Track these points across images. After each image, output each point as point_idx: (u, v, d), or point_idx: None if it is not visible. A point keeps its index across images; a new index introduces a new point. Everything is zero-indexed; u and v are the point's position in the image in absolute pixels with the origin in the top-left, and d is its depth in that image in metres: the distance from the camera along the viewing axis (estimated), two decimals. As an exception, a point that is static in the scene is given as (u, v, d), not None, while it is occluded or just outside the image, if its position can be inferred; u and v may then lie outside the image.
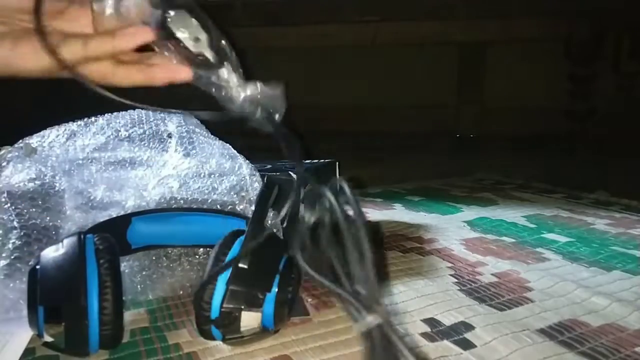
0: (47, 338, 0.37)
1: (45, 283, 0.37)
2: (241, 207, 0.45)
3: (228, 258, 0.38)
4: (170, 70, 0.37)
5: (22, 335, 0.41)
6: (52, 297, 0.36)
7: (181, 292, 0.50)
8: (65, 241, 0.39)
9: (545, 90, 1.65)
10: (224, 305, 0.36)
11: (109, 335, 0.37)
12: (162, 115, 0.51)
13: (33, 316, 0.37)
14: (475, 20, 1.54)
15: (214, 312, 0.37)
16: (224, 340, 0.38)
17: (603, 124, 1.55)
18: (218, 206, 0.46)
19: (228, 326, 0.37)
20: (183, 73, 0.36)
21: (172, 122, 0.50)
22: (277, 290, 0.38)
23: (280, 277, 0.38)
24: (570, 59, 1.58)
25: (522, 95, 1.67)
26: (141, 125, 0.50)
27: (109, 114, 0.49)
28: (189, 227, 0.40)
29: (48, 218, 0.45)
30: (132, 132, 0.49)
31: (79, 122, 0.48)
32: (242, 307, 0.37)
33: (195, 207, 0.46)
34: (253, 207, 0.44)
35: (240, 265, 0.37)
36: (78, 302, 0.36)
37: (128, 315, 0.45)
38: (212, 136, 0.52)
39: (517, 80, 1.68)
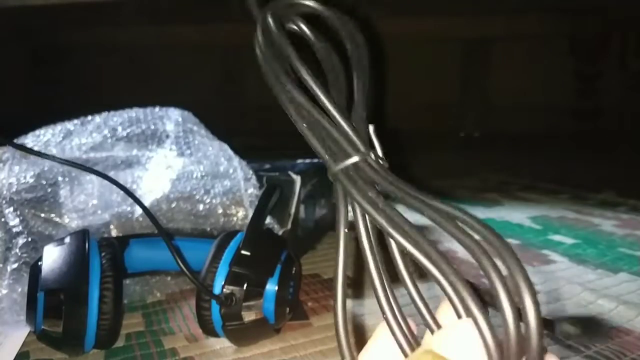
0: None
1: (47, 271, 0.37)
2: (234, 211, 0.45)
3: (229, 248, 0.39)
4: None
5: (15, 337, 0.41)
6: (53, 283, 0.37)
7: (179, 294, 0.49)
8: (69, 236, 0.40)
9: (551, 88, 1.63)
10: (226, 286, 0.37)
11: (107, 326, 0.37)
12: (160, 113, 0.50)
13: (32, 306, 0.37)
14: (479, 16, 1.53)
15: (216, 293, 0.37)
16: (224, 328, 0.37)
17: (610, 122, 1.53)
18: (209, 207, 0.46)
19: (229, 307, 0.37)
20: None
21: (170, 121, 0.49)
22: (278, 278, 0.38)
23: (282, 268, 0.39)
24: (575, 57, 1.57)
25: (528, 93, 1.66)
26: (139, 125, 0.49)
27: (106, 112, 0.49)
28: (187, 253, 0.40)
29: (50, 228, 0.45)
30: (130, 132, 0.48)
31: (75, 121, 0.48)
32: (244, 287, 0.37)
33: (191, 230, 0.46)
34: (245, 211, 0.45)
35: (243, 252, 0.38)
36: (79, 287, 0.36)
37: (124, 319, 0.44)
38: (211, 135, 0.52)
39: (523, 78, 1.66)
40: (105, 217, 0.45)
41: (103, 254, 0.39)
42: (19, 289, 0.42)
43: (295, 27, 0.25)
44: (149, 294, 0.49)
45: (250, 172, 0.49)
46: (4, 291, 0.42)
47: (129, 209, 0.45)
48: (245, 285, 0.37)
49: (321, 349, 0.40)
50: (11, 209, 0.44)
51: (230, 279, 0.37)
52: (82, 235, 0.40)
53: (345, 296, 0.19)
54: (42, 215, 0.45)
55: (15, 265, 0.43)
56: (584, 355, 0.38)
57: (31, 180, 0.45)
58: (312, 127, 0.22)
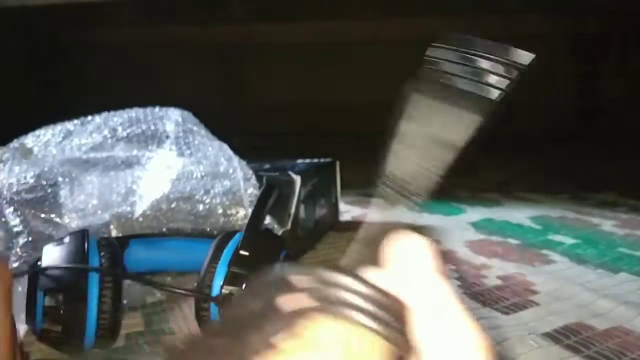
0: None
1: (46, 271, 0.37)
2: (234, 211, 0.45)
3: (227, 248, 0.39)
4: None
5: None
6: (53, 283, 0.37)
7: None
8: (69, 236, 0.40)
9: (551, 88, 1.63)
10: (225, 286, 0.37)
11: (106, 326, 0.37)
12: (160, 114, 0.50)
13: (32, 306, 0.37)
14: (479, 16, 1.53)
15: (214, 293, 0.37)
16: None
17: (610, 122, 1.53)
18: (209, 207, 0.46)
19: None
20: None
21: (170, 121, 0.49)
22: None
23: None
24: (576, 57, 1.57)
25: (528, 93, 1.65)
26: (139, 125, 0.49)
27: (106, 112, 0.49)
28: (185, 254, 0.40)
29: (50, 228, 0.45)
30: (130, 132, 0.48)
31: (75, 121, 0.48)
32: (243, 287, 0.37)
33: (191, 230, 0.46)
34: (245, 211, 0.45)
35: (241, 252, 0.38)
36: (78, 287, 0.36)
37: (124, 319, 0.44)
38: (211, 135, 0.52)
39: (522, 78, 1.66)
40: (105, 217, 0.45)
41: (103, 253, 0.39)
42: (19, 289, 0.42)
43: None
44: (149, 294, 0.49)
45: (250, 172, 0.49)
46: (4, 291, 0.42)
47: (129, 209, 0.44)
48: (244, 286, 0.37)
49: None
50: (11, 209, 0.44)
51: (229, 279, 0.37)
52: (81, 235, 0.40)
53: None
54: (42, 215, 0.45)
55: (15, 265, 0.43)
56: (584, 355, 0.38)
57: (31, 181, 0.44)
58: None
